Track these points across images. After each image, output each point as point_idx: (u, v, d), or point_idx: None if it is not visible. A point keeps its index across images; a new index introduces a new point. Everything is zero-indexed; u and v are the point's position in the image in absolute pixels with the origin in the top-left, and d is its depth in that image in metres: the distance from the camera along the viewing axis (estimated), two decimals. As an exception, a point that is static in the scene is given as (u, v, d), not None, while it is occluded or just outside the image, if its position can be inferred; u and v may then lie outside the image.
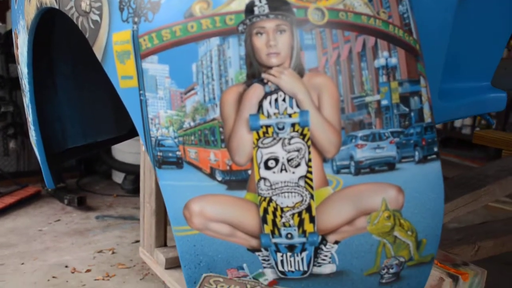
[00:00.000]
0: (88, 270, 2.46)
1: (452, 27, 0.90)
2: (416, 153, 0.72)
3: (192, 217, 0.73)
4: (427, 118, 0.74)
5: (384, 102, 0.71)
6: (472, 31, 1.02)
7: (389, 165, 0.72)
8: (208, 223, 0.73)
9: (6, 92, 3.45)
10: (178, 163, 0.72)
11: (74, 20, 0.84)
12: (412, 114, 0.73)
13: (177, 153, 0.72)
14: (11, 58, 3.38)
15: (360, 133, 0.70)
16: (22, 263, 2.48)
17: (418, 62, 0.74)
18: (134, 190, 3.59)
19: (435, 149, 0.73)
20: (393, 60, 0.72)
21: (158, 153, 0.73)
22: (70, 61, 1.45)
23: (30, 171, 3.67)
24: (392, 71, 0.72)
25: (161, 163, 0.73)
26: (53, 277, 2.36)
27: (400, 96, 0.72)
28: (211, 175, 0.71)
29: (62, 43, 1.37)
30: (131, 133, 1.74)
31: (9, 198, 3.24)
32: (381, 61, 0.71)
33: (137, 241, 2.71)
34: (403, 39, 0.73)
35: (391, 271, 0.79)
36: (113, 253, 2.68)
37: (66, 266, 2.48)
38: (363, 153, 0.71)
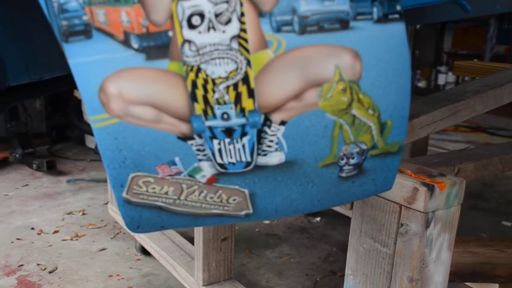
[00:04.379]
0: (55, 231, 2.33)
1: None
2: (375, 9, 0.60)
3: (110, 101, 0.60)
4: (388, -30, 0.61)
5: None
6: None
7: (342, 22, 0.59)
8: (129, 107, 0.60)
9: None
10: (86, 31, 0.59)
11: None
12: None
13: (84, 17, 0.59)
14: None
15: (304, -21, 0.57)
16: (-15, 227, 2.35)
17: None
18: (108, 154, 3.44)
19: (398, 8, 0.61)
20: None
21: (63, 22, 0.60)
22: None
23: (-4, 138, 3.51)
24: None
25: (67, 35, 0.60)
26: (18, 239, 2.23)
27: None
28: (126, 42, 0.58)
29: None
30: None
31: (-26, 165, 3.09)
32: None
33: (109, 202, 2.59)
34: None
35: (351, 161, 0.67)
36: (83, 214, 2.55)
37: (32, 228, 2.35)
38: (309, 6, 0.58)
